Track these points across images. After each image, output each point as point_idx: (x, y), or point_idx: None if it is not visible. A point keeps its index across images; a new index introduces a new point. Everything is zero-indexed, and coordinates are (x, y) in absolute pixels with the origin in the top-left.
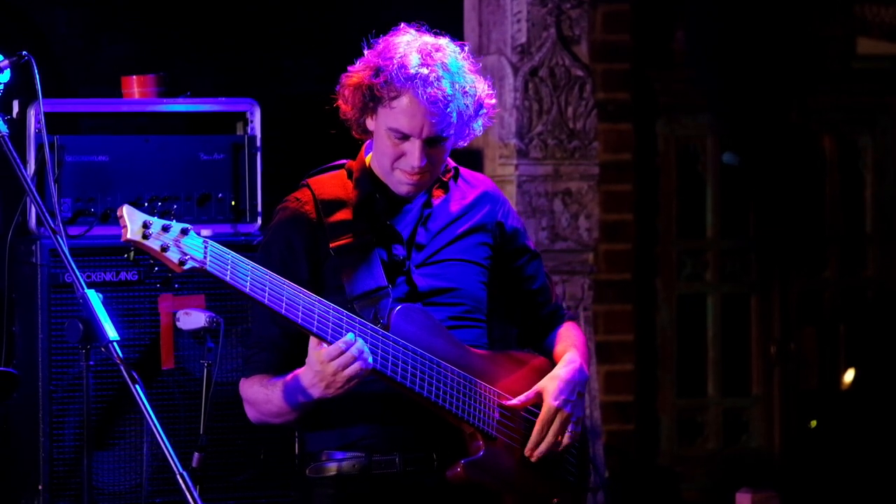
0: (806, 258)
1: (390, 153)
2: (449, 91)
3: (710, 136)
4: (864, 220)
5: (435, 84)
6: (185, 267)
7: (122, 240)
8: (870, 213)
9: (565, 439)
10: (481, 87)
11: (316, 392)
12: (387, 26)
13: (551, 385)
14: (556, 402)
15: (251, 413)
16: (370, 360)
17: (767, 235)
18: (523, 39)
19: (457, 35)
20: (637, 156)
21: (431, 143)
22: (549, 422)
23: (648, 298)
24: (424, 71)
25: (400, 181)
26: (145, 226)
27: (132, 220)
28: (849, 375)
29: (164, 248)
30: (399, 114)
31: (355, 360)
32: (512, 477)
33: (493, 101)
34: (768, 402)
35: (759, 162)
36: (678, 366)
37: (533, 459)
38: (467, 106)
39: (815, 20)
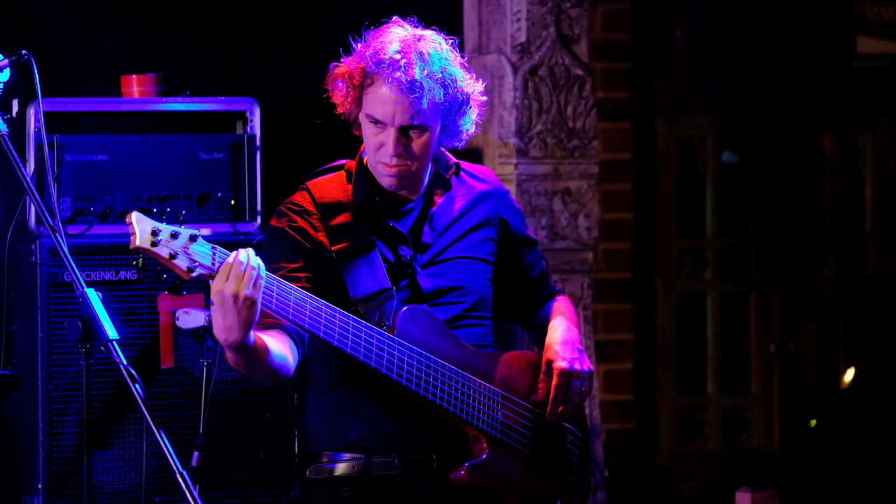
0: (806, 256)
1: (371, 144)
2: (417, 76)
3: (709, 135)
4: (864, 219)
5: (403, 69)
6: (194, 274)
7: (131, 247)
8: (869, 211)
9: (582, 394)
10: (467, 83)
11: (227, 334)
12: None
13: (551, 353)
14: (564, 364)
15: None
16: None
17: (767, 234)
18: (523, 38)
19: (456, 34)
20: (637, 155)
21: (407, 134)
22: (563, 385)
23: (648, 297)
24: (397, 56)
25: (382, 174)
26: (154, 233)
27: (141, 227)
28: (849, 374)
29: (173, 256)
30: (373, 100)
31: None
32: (515, 479)
33: (484, 98)
34: (768, 400)
35: (759, 160)
36: (678, 365)
37: (555, 422)
38: (443, 97)
39: (815, 19)
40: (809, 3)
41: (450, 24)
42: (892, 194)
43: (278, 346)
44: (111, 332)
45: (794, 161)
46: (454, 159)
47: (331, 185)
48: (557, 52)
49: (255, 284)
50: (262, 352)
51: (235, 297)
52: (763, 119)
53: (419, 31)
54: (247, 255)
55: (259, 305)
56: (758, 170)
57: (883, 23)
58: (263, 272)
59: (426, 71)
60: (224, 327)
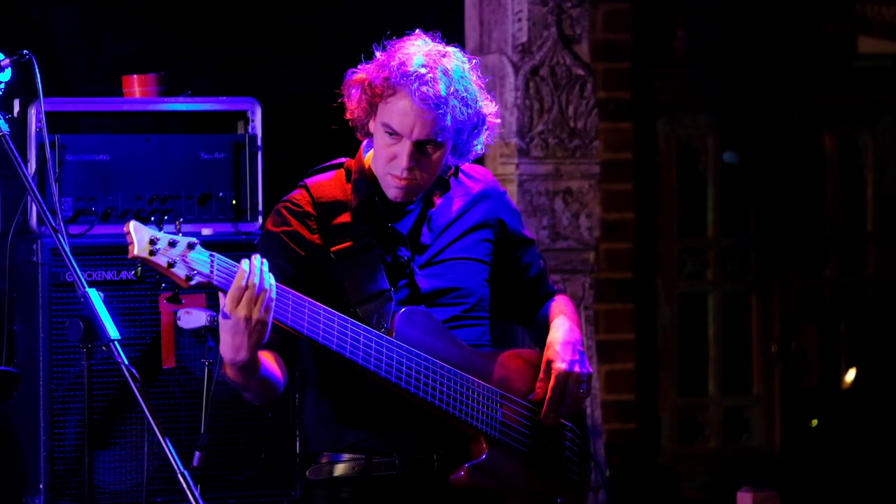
0: (806, 256)
1: (383, 155)
2: (443, 92)
3: (710, 135)
4: (865, 219)
5: (429, 83)
6: (192, 282)
7: (130, 256)
8: (870, 211)
9: (580, 397)
10: (485, 104)
11: (235, 353)
12: (386, 25)
13: (551, 353)
14: (563, 366)
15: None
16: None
17: (768, 234)
18: (524, 38)
19: (457, 34)
20: (638, 155)
21: (422, 149)
22: (561, 386)
23: (649, 297)
24: (422, 70)
25: (389, 185)
26: (152, 242)
27: (139, 236)
28: (850, 374)
29: (171, 265)
30: (393, 111)
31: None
32: (515, 479)
33: (497, 121)
34: (769, 400)
35: (760, 160)
36: (679, 365)
37: (551, 423)
38: (464, 115)
39: (816, 19)
40: (810, 3)
41: (451, 24)
42: (892, 194)
43: (271, 365)
44: (112, 331)
45: (794, 161)
46: (453, 160)
47: (330, 185)
48: (558, 52)
49: (266, 308)
50: (259, 369)
51: (248, 320)
52: (764, 119)
53: (442, 47)
54: (259, 277)
55: (269, 328)
56: (758, 170)
57: (884, 23)
58: (275, 294)
59: (452, 88)
60: (233, 346)
